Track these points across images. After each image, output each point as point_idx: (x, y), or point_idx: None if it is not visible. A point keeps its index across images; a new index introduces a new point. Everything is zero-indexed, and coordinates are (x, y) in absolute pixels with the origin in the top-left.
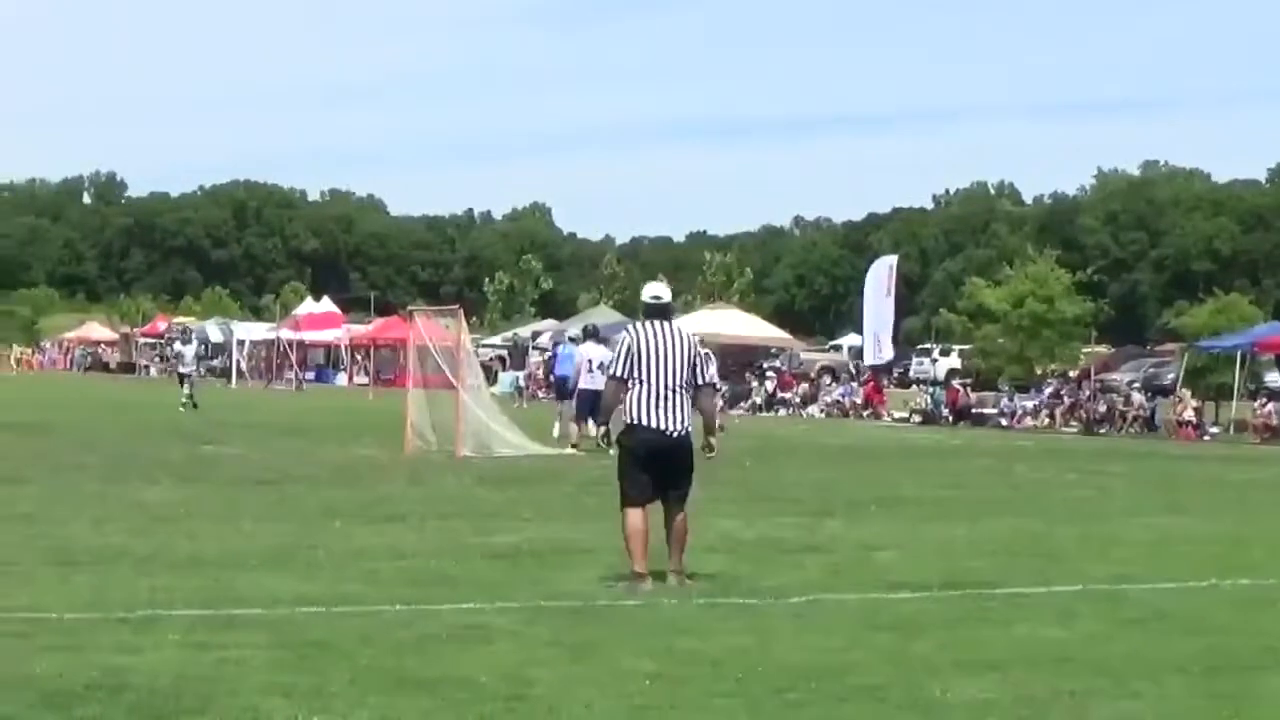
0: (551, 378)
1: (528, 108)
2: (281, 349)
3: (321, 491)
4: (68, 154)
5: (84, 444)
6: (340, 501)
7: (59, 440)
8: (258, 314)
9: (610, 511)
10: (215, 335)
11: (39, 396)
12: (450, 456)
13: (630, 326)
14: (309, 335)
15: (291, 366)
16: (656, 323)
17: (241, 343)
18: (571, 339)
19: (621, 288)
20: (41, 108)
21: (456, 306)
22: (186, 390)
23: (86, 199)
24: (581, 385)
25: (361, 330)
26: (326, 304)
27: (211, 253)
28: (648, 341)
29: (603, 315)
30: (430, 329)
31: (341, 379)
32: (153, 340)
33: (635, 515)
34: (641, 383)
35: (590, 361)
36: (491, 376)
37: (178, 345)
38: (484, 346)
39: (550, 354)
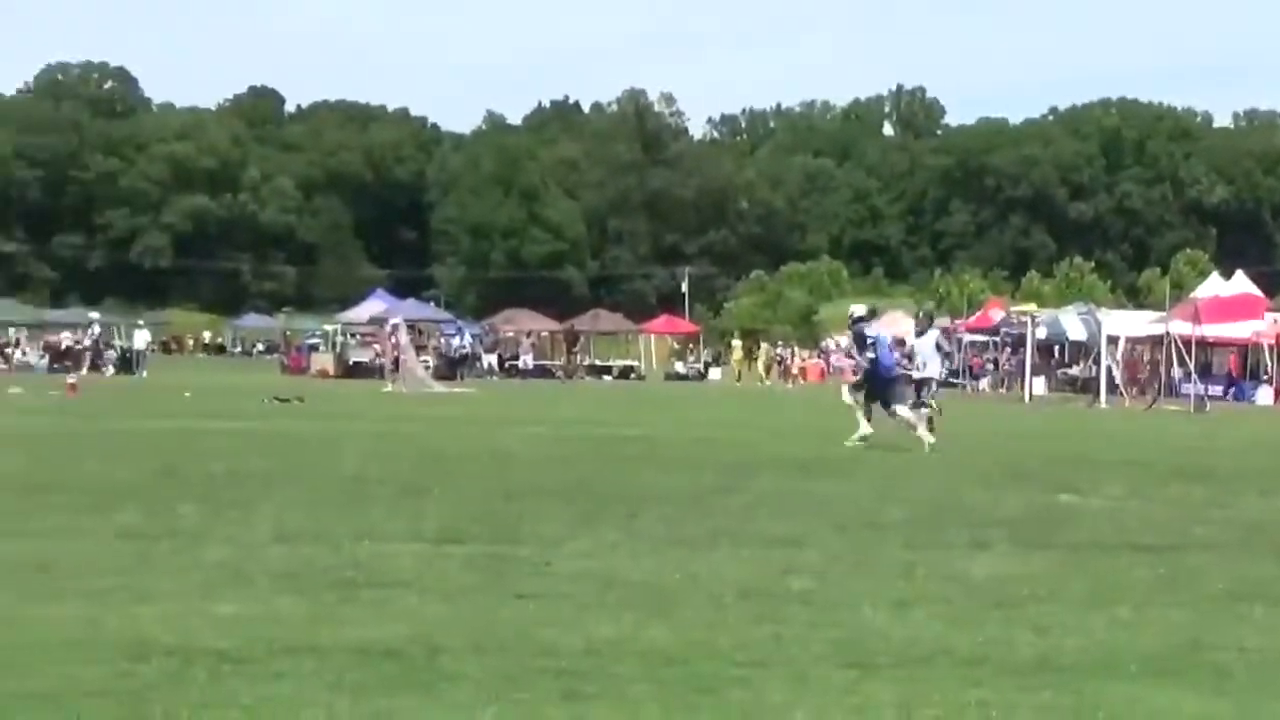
0: None
1: None
2: (1175, 349)
3: (1234, 564)
4: (863, 66)
5: (885, 490)
6: (1264, 579)
7: (854, 485)
8: (1137, 296)
9: None
10: (1074, 330)
11: (823, 425)
12: None
13: None
14: (1214, 330)
15: (1190, 376)
16: None
17: (1114, 340)
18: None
19: None
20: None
21: None
22: (903, 409)
23: (888, 129)
24: None
25: None
26: (1241, 282)
27: (1068, 207)
28: None
29: None
30: None
31: (1264, 395)
32: (983, 339)
33: None
34: None
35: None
36: None
37: (867, 329)
38: None
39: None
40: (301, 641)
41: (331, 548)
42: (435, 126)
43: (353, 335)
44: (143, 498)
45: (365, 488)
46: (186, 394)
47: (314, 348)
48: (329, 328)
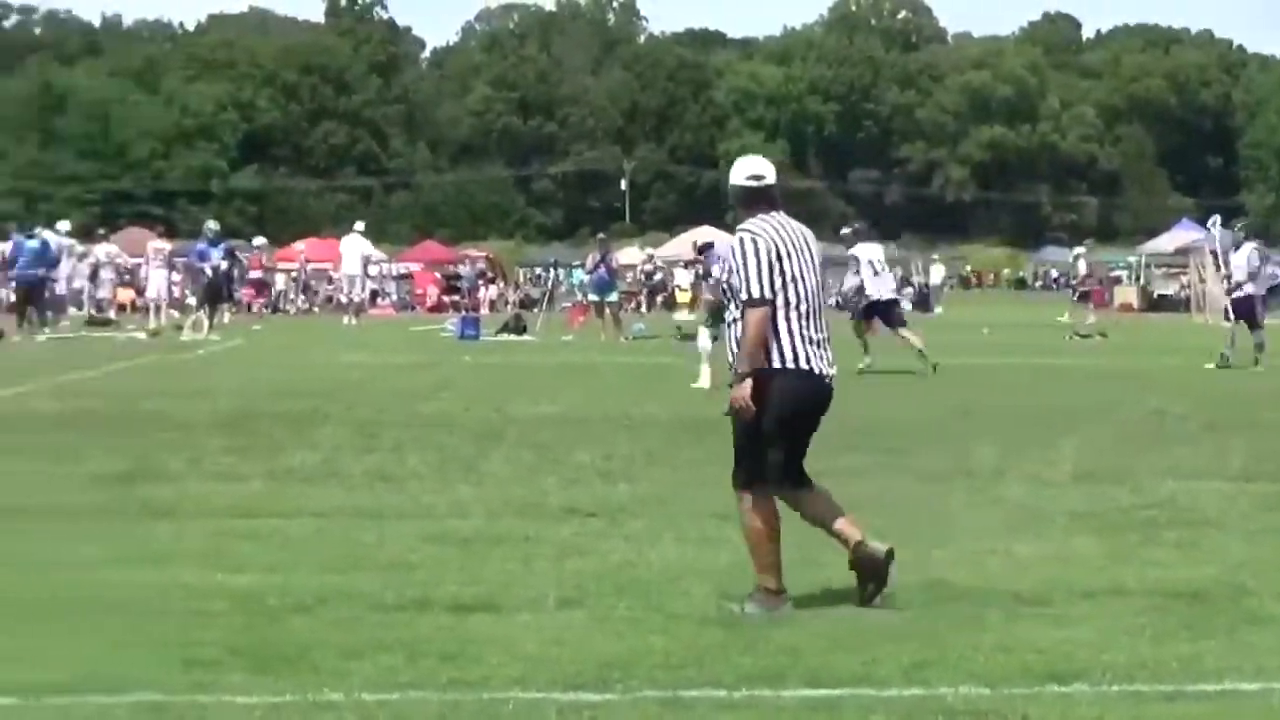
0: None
1: None
2: None
3: None
4: None
5: None
6: None
7: None
8: None
9: None
10: None
11: None
12: None
13: (758, 223)
14: None
15: None
16: (779, 216)
17: None
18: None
19: None
20: None
21: None
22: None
23: None
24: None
25: None
26: None
27: None
28: (786, 243)
29: None
30: None
31: None
32: None
33: (771, 507)
34: (789, 304)
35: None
36: None
37: None
38: None
39: None
40: (1101, 583)
41: (1133, 487)
42: (1241, 48)
43: (1158, 267)
44: (942, 437)
45: (1168, 424)
46: (985, 330)
47: (1116, 280)
48: (1132, 260)
